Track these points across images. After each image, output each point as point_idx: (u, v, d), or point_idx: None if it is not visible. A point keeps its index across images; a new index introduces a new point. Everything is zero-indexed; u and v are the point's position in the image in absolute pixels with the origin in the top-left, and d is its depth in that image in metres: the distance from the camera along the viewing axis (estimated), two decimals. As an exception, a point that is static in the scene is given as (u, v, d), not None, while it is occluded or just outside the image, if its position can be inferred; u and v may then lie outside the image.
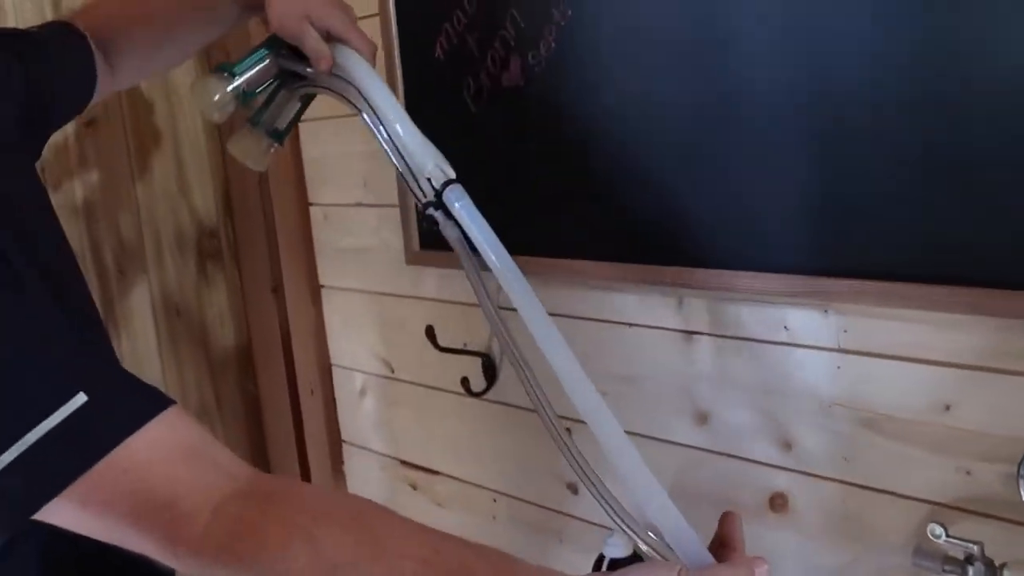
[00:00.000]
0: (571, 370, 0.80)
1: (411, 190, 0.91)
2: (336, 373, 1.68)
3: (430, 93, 1.33)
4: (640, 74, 1.07)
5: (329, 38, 0.96)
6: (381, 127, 0.93)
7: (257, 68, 0.99)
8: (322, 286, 1.65)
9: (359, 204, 1.52)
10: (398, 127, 0.92)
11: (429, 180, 0.91)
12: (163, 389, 1.01)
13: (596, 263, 1.17)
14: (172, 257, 1.68)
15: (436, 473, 1.52)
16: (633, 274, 1.13)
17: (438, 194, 0.89)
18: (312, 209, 1.62)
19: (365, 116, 0.93)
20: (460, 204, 0.89)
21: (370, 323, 1.56)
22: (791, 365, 1.03)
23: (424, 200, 0.90)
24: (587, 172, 1.16)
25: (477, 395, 1.37)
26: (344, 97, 0.94)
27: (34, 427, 0.70)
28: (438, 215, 0.89)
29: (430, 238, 1.38)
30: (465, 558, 0.71)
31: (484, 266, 0.87)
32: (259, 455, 1.82)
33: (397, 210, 1.42)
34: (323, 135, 1.56)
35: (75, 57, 1.06)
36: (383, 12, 1.35)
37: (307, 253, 1.64)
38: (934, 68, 0.86)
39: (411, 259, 1.41)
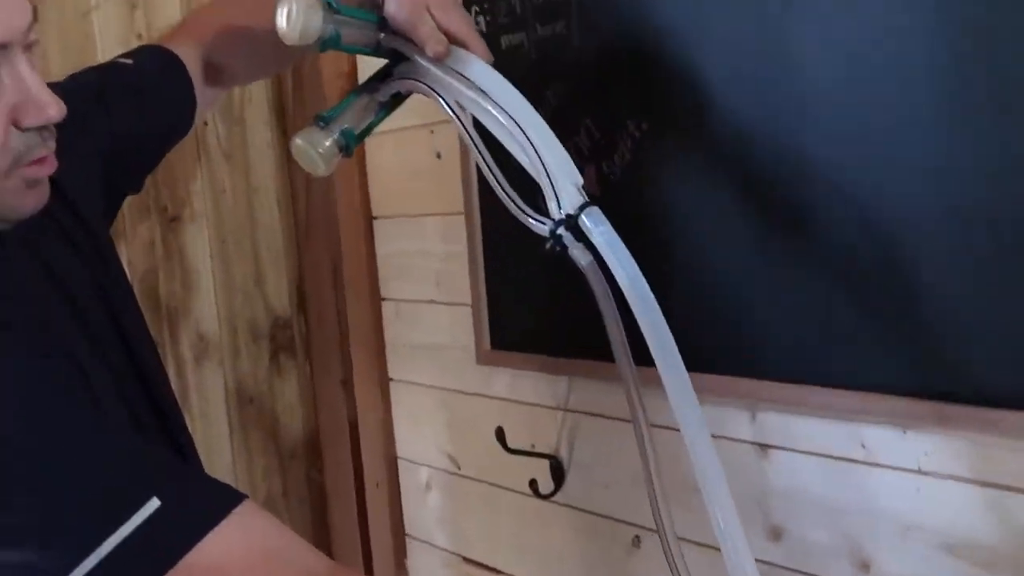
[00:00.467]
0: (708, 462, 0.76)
1: (519, 208, 0.82)
2: (402, 467, 1.69)
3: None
4: (716, 185, 1.09)
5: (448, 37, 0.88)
6: (504, 129, 0.83)
7: (350, 110, 0.92)
8: (391, 380, 1.67)
9: (432, 301, 1.55)
10: (533, 133, 0.82)
11: (557, 197, 0.81)
12: (232, 477, 1.03)
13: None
14: (247, 347, 1.72)
15: (499, 572, 1.51)
16: (705, 384, 1.13)
17: (573, 217, 0.81)
18: (384, 304, 1.65)
19: (482, 116, 0.83)
20: (601, 231, 0.80)
21: (438, 419, 1.57)
22: (869, 484, 1.01)
23: (555, 218, 0.81)
24: (662, 280, 1.17)
25: (544, 497, 1.37)
26: (437, 93, 0.86)
27: (108, 536, 0.71)
28: (567, 234, 0.81)
29: (501, 338, 1.40)
30: None
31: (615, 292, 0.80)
32: (323, 546, 1.82)
33: (469, 309, 1.44)
34: (397, 232, 1.60)
35: (169, 85, 1.06)
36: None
37: (377, 347, 1.66)
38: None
39: (482, 358, 1.43)
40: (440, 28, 0.88)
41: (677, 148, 1.12)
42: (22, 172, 0.78)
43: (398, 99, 0.93)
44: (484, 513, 1.51)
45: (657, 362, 0.78)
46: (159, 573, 0.71)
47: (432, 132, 1.49)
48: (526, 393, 1.40)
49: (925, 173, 0.91)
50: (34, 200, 0.81)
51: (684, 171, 1.12)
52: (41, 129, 0.79)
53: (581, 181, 0.82)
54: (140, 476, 0.75)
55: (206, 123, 1.65)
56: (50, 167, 0.81)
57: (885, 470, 1.00)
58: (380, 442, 1.69)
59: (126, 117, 1.01)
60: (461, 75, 0.83)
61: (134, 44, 1.54)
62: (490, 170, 0.83)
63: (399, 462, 1.69)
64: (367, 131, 0.94)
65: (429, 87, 0.85)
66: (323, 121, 0.90)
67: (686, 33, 1.08)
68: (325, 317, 1.74)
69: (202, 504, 0.75)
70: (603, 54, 1.18)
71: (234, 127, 1.68)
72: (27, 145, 0.78)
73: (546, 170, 0.81)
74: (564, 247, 0.80)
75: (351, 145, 0.92)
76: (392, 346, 1.66)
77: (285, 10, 0.82)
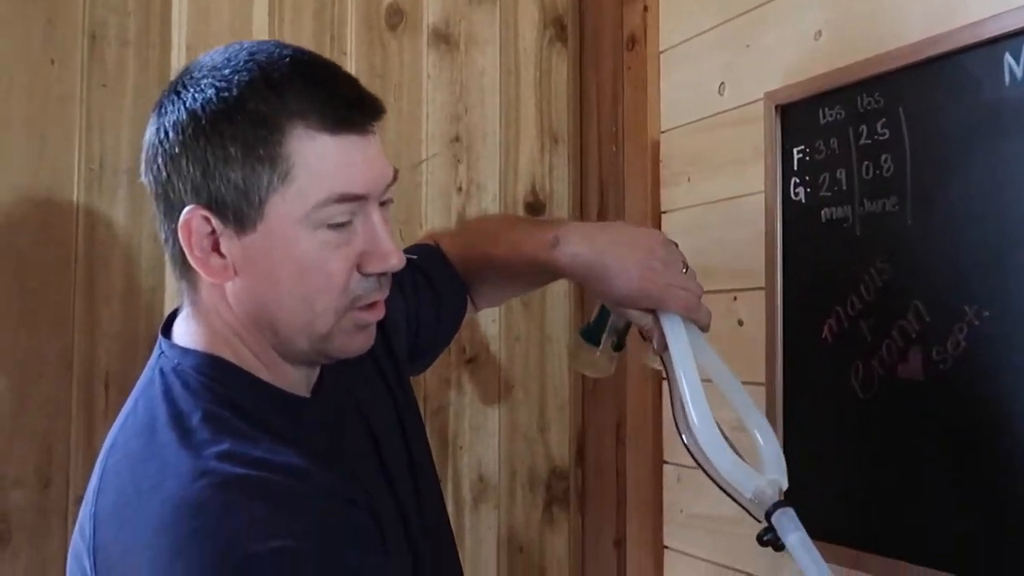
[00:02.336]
0: None
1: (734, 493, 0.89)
2: (670, 641, 1.60)
3: (812, 373, 1.29)
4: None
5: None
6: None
7: (609, 325, 1.07)
8: (666, 547, 1.60)
9: (718, 471, 1.48)
10: (710, 439, 0.91)
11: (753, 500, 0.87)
12: None
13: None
14: (523, 493, 1.72)
15: None
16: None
17: (767, 516, 0.86)
18: (666, 468, 1.61)
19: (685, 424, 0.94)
20: (795, 537, 0.84)
21: (715, 597, 1.49)
22: None
23: (759, 514, 0.87)
24: (989, 482, 1.05)
25: None
26: (673, 387, 0.97)
27: None
28: (772, 537, 0.86)
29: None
30: None
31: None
32: None
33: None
34: (687, 396, 1.57)
35: (450, 287, 1.15)
36: (769, 287, 1.36)
37: (655, 512, 1.61)
38: None
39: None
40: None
41: (1021, 339, 1.02)
42: (355, 315, 0.84)
43: None
44: None
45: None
46: None
47: (735, 299, 1.47)
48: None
49: None
50: (360, 342, 0.87)
51: (1030, 366, 1.01)
52: (380, 276, 0.85)
53: (783, 481, 0.90)
54: None
55: (510, 272, 1.72)
56: (380, 313, 0.87)
57: None
58: (649, 611, 1.62)
59: (418, 296, 1.12)
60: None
61: (455, 197, 1.66)
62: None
63: (666, 636, 1.60)
64: (626, 332, 1.09)
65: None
66: (590, 341, 1.08)
67: (1044, 219, 1.01)
68: (603, 473, 1.71)
69: None
70: (939, 234, 1.12)
71: (536, 278, 1.74)
72: (365, 289, 0.84)
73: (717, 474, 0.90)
74: (776, 543, 0.86)
75: (623, 345, 1.09)
76: (670, 512, 1.60)
77: (583, 371, 1.13)
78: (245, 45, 0.84)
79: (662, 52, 1.64)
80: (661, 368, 1.01)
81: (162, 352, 0.87)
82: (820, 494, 1.27)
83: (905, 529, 1.15)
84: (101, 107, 1.44)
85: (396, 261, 0.83)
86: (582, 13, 1.80)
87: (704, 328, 1.00)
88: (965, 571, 1.07)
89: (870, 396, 1.20)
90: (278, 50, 0.83)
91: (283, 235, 0.80)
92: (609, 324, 1.08)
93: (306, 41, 1.57)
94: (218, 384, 0.83)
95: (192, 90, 0.81)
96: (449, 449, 1.66)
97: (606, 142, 1.72)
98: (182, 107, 0.81)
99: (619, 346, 1.09)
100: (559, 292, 1.76)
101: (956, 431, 1.10)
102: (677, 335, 0.96)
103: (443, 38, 1.69)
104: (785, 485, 0.89)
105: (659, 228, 1.64)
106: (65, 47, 1.42)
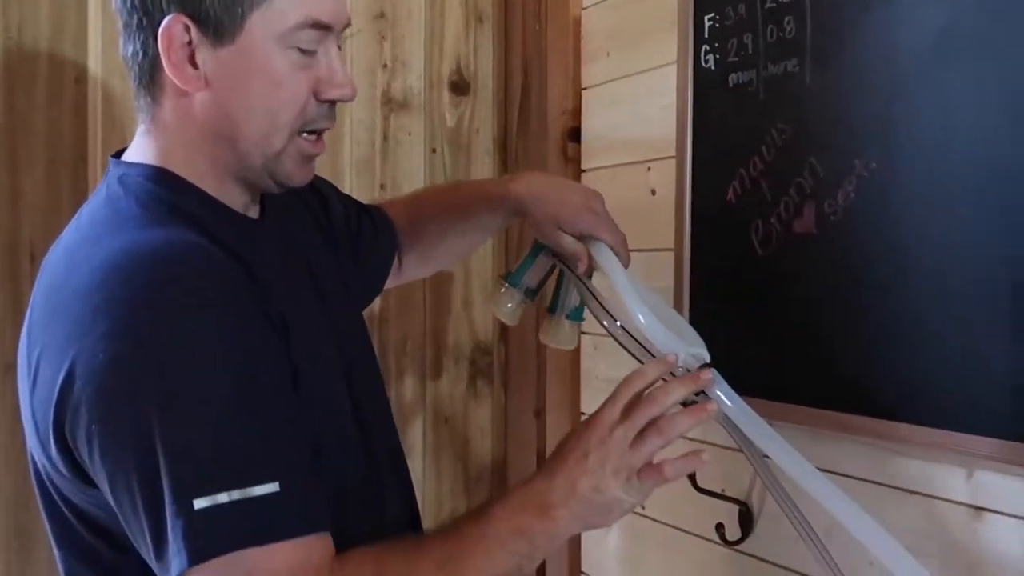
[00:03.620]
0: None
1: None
2: (585, 503, 1.68)
3: (717, 235, 1.35)
4: (947, 230, 1.04)
5: (583, 237, 1.09)
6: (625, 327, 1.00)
7: (531, 270, 1.16)
8: (583, 413, 1.67)
9: (631, 337, 1.54)
10: (641, 318, 0.97)
11: (683, 368, 0.94)
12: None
13: (873, 420, 1.12)
14: (447, 368, 1.77)
15: (675, 621, 1.46)
16: (915, 436, 1.07)
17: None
18: (584, 338, 1.66)
19: (615, 319, 1.01)
20: (720, 391, 0.92)
21: (627, 456, 1.56)
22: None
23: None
24: (873, 326, 1.12)
25: (731, 544, 1.32)
26: (600, 303, 1.06)
27: (223, 491, 0.76)
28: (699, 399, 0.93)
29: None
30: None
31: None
32: (498, 574, 1.83)
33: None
34: (604, 268, 1.62)
35: (385, 242, 1.22)
36: (679, 156, 1.40)
37: (573, 381, 1.67)
38: None
39: (679, 396, 1.41)
40: (574, 234, 1.09)
41: (909, 189, 1.08)
42: (302, 142, 0.91)
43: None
44: (665, 556, 1.48)
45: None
46: (228, 550, 0.76)
47: (649, 169, 1.51)
48: (721, 434, 1.36)
49: None
50: (304, 174, 0.93)
51: (913, 213, 1.07)
52: (332, 106, 0.91)
53: (701, 346, 0.97)
54: (281, 458, 0.81)
55: (434, 150, 1.75)
56: (321, 147, 0.94)
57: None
58: (566, 475, 1.69)
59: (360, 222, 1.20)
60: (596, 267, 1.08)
61: (380, 74, 1.66)
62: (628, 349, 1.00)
63: (582, 498, 1.68)
64: (543, 284, 1.18)
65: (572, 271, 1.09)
66: (509, 283, 1.16)
67: (930, 70, 1.05)
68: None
69: (300, 512, 0.80)
70: (835, 92, 1.16)
71: (460, 155, 1.77)
72: (318, 115, 0.90)
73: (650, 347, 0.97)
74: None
75: (532, 298, 1.18)
76: (587, 379, 1.66)
77: (496, 313, 1.19)
78: None
79: (584, -71, 1.65)
80: (557, 343, 1.19)
81: (110, 170, 0.93)
82: (727, 352, 1.34)
83: (810, 376, 1.21)
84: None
85: (350, 92, 0.91)
86: None
87: (625, 266, 1.11)
88: (869, 410, 1.13)
89: (769, 252, 1.26)
90: None
91: (259, 50, 0.86)
92: (531, 268, 1.18)
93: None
94: (166, 191, 0.89)
95: None
96: (375, 323, 1.70)
97: (530, 20, 1.74)
98: None
99: (533, 293, 1.19)
100: (484, 173, 1.78)
101: (849, 279, 1.16)
102: (608, 255, 1.08)
103: (368, -85, 1.69)
104: (707, 357, 0.95)
105: (580, 104, 1.67)
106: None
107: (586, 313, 1.16)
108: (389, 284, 1.25)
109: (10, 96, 1.43)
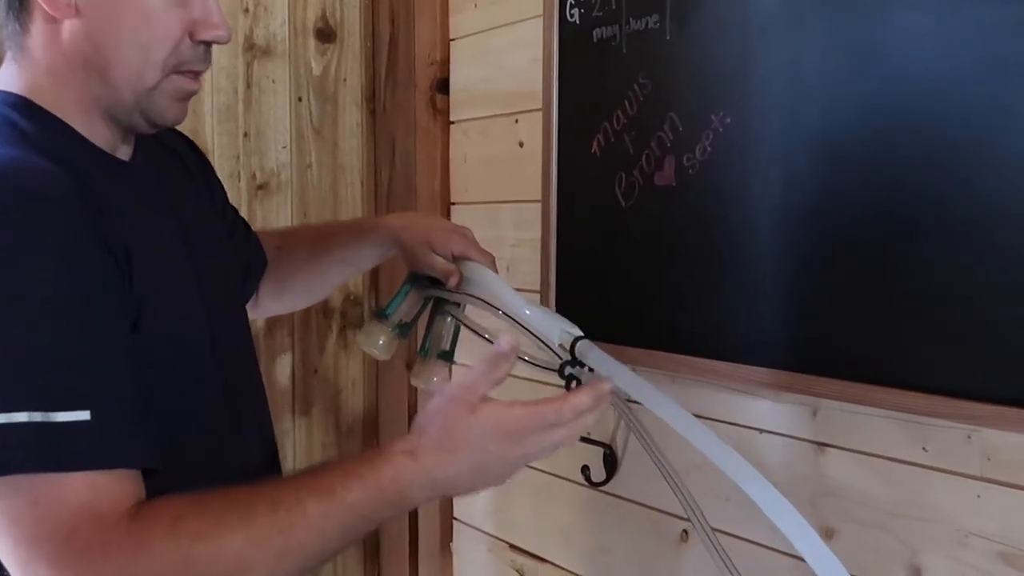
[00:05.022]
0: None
1: (550, 356, 0.98)
2: (456, 450, 1.70)
3: (583, 187, 1.38)
4: (792, 183, 1.09)
5: (454, 259, 1.12)
6: (511, 317, 1.02)
7: (405, 303, 1.17)
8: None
9: (500, 287, 1.57)
10: (526, 311, 1.02)
11: (560, 346, 0.97)
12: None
13: (729, 364, 1.18)
14: (316, 320, 1.76)
15: (544, 561, 1.51)
16: (766, 378, 1.13)
17: (571, 351, 0.96)
18: (454, 288, 1.68)
19: (499, 311, 1.04)
20: (592, 354, 0.95)
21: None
22: (928, 489, 1.00)
23: (561, 360, 0.95)
24: (727, 274, 1.18)
25: (596, 485, 1.38)
26: (478, 299, 1.08)
27: (23, 411, 0.74)
28: (576, 371, 0.94)
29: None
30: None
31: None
32: (371, 523, 1.85)
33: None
34: (472, 218, 1.63)
35: (255, 251, 1.20)
36: (545, 109, 1.42)
37: (444, 330, 1.69)
38: None
39: (545, 344, 1.44)
40: (445, 256, 1.12)
41: (760, 143, 1.13)
42: (178, 79, 0.89)
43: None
44: (534, 500, 1.52)
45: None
46: (31, 470, 0.73)
47: (517, 121, 1.52)
48: (587, 380, 1.41)
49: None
50: (176, 113, 0.92)
51: (763, 167, 1.12)
52: (207, 47, 0.90)
53: (573, 325, 0.98)
54: (95, 384, 0.78)
55: (300, 99, 1.71)
56: (197, 85, 0.92)
57: (946, 475, 0.99)
58: (437, 424, 1.71)
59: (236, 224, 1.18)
60: (471, 282, 1.10)
61: (241, 18, 1.61)
62: (527, 331, 1.00)
63: (454, 446, 1.71)
64: (416, 320, 1.18)
65: (467, 297, 1.10)
66: (382, 317, 1.16)
67: (780, 29, 1.10)
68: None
69: (109, 445, 0.76)
70: (693, 49, 1.20)
71: (326, 105, 1.74)
72: (192, 55, 0.89)
73: (541, 334, 0.98)
74: (578, 380, 0.93)
75: (405, 333, 1.17)
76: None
77: (366, 348, 1.18)
78: None
79: None
80: (429, 386, 1.17)
81: None
82: (592, 302, 1.38)
83: (668, 323, 1.26)
84: None
85: (223, 33, 0.90)
86: None
87: (494, 271, 1.14)
88: (722, 354, 1.19)
89: (631, 204, 1.30)
90: None
91: None
92: (403, 303, 1.17)
93: None
94: (24, 120, 0.86)
95: None
96: (241, 276, 1.66)
97: (397, -32, 1.72)
98: None
99: (407, 328, 1.18)
100: (351, 123, 1.77)
101: (701, 230, 1.21)
102: (480, 267, 1.12)
103: None
104: (579, 332, 0.98)
105: (448, 55, 1.66)
106: None
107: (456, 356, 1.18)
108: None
109: None
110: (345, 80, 1.75)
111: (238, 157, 1.64)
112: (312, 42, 1.72)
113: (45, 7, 0.85)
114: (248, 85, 1.66)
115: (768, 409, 1.16)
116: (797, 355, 1.10)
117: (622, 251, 1.32)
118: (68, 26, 0.86)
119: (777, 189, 1.11)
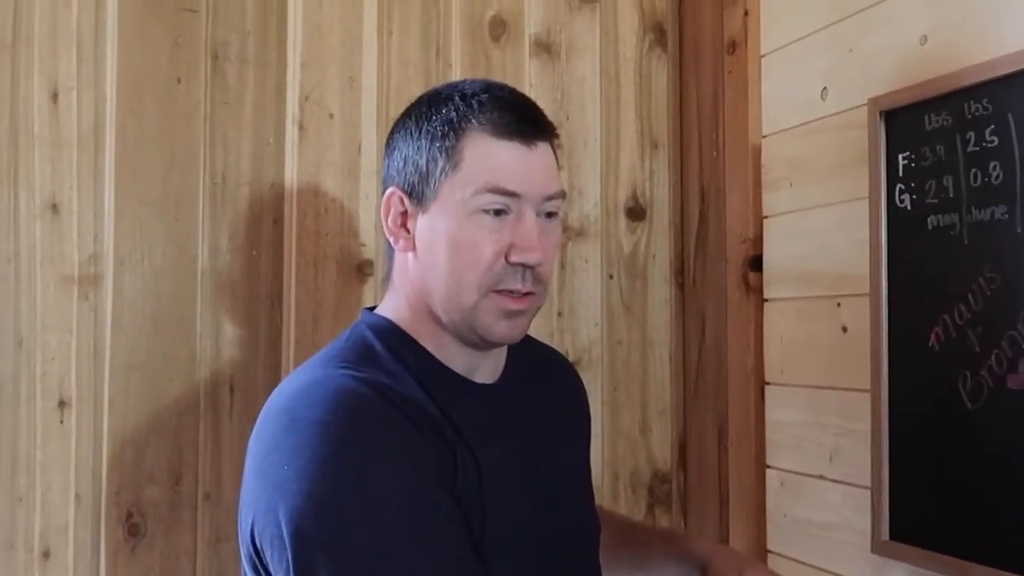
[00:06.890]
0: None
1: None
2: (772, 646, 1.60)
3: (919, 381, 1.29)
4: None
5: None
6: None
7: None
8: (769, 551, 1.61)
9: (822, 477, 1.48)
10: None
11: None
12: None
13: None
14: (626, 495, 1.75)
15: None
16: None
17: None
18: (768, 472, 1.61)
19: None
20: None
21: (818, 603, 1.49)
22: None
23: None
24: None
25: None
26: None
27: None
28: None
29: (903, 529, 1.31)
30: None
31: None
32: None
33: (867, 492, 1.37)
34: (789, 400, 1.57)
35: None
36: (874, 295, 1.35)
37: (757, 517, 1.61)
38: None
39: (877, 548, 1.33)
40: None
41: None
42: (497, 298, 0.96)
43: None
44: None
45: None
46: None
47: (839, 305, 1.46)
48: None
49: None
50: (503, 329, 0.98)
51: None
52: (524, 269, 0.96)
53: None
54: None
55: (611, 276, 1.75)
56: (521, 305, 0.98)
57: None
58: (750, 615, 1.62)
59: None
60: None
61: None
62: None
63: (769, 640, 1.61)
64: None
65: None
66: None
67: None
68: (705, 477, 1.73)
69: None
70: (1051, 243, 1.10)
71: (636, 281, 1.76)
72: (507, 276, 0.96)
73: None
74: None
75: None
76: (772, 516, 1.60)
77: None
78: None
79: (763, 56, 1.64)
80: None
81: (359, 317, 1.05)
82: (930, 507, 1.27)
83: (1009, 539, 1.13)
84: (223, 123, 1.52)
85: (534, 256, 0.95)
86: (682, 18, 1.81)
87: None
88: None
89: (978, 406, 1.19)
90: (480, 80, 1.04)
91: (448, 214, 0.96)
92: None
93: (413, 54, 1.63)
94: (381, 342, 0.98)
95: (415, 103, 1.05)
96: (552, 450, 1.69)
97: (707, 147, 1.73)
98: (405, 113, 1.04)
99: None
100: (661, 299, 1.78)
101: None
102: None
103: (544, 47, 1.73)
104: None
105: (760, 233, 1.64)
106: (190, 66, 1.51)
107: None
108: None
109: (215, 240, 1.52)
110: (654, 256, 1.78)
111: (552, 335, 1.69)
112: (623, 221, 1.76)
113: (393, 245, 1.00)
114: (562, 266, 1.72)
115: None
116: None
117: (969, 456, 1.21)
118: (411, 259, 0.99)
119: None
